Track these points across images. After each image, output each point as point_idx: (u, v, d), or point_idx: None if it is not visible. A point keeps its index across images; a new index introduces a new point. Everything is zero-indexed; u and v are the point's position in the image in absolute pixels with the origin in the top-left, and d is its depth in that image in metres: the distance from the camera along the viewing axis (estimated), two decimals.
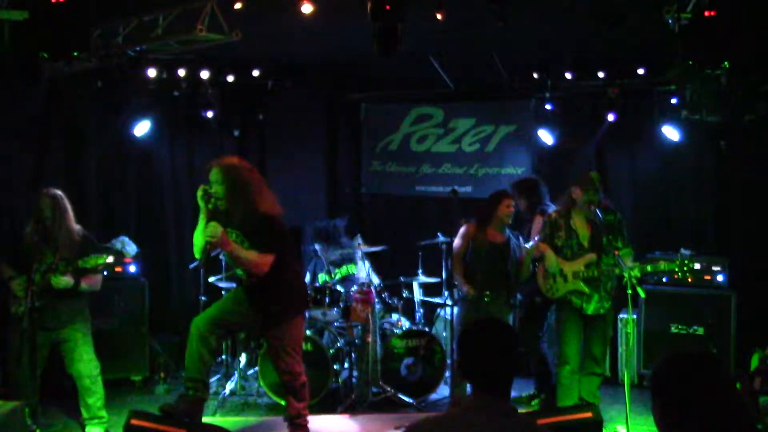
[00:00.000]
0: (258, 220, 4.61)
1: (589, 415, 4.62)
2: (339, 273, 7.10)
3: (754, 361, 5.67)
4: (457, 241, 6.07)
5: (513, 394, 4.35)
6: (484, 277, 5.92)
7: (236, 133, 7.99)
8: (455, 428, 2.41)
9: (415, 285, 7.00)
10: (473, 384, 2.48)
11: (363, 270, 6.76)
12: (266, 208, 4.66)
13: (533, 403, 6.30)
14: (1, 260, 5.35)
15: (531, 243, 5.95)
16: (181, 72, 7.06)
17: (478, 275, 5.93)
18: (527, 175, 7.54)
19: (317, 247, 7.12)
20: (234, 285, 6.71)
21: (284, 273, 4.78)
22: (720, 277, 6.64)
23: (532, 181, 6.71)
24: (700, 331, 6.56)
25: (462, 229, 6.08)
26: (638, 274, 5.32)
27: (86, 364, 5.30)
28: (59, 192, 5.27)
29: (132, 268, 6.81)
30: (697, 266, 6.54)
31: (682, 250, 6.37)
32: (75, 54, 4.87)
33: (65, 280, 5.09)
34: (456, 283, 6.04)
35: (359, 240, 7.52)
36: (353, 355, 6.34)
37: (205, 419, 4.97)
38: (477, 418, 2.39)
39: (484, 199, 6.27)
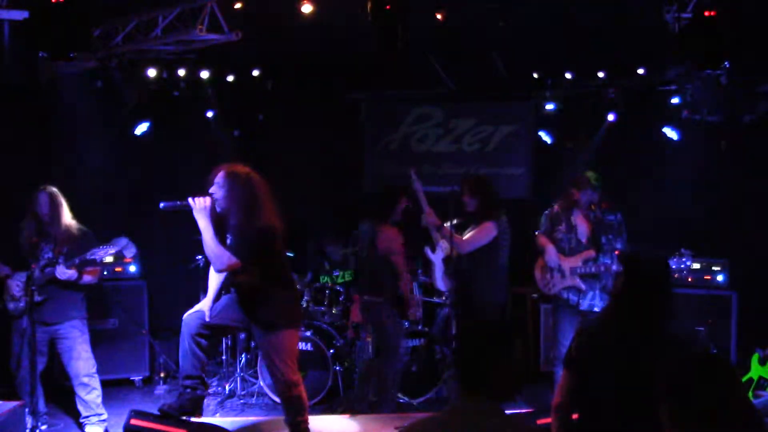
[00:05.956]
0: (242, 230, 4.41)
1: None
2: (342, 276, 7.06)
3: (754, 361, 5.68)
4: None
5: None
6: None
7: (236, 133, 7.98)
8: (446, 429, 2.41)
9: (415, 285, 6.98)
10: (462, 384, 2.45)
11: None
12: (259, 223, 4.43)
13: None
14: None
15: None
16: (181, 72, 7.06)
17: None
18: (525, 175, 7.52)
19: (329, 248, 7.08)
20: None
21: (271, 286, 4.61)
22: (720, 277, 6.64)
23: (487, 180, 6.11)
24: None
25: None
26: None
27: (84, 362, 5.29)
28: (54, 188, 5.27)
29: (132, 268, 6.82)
30: (697, 266, 6.55)
31: (682, 251, 6.37)
32: (75, 54, 4.86)
33: (70, 273, 5.09)
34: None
35: None
36: (353, 355, 6.33)
37: (205, 419, 4.95)
38: (468, 419, 2.38)
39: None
